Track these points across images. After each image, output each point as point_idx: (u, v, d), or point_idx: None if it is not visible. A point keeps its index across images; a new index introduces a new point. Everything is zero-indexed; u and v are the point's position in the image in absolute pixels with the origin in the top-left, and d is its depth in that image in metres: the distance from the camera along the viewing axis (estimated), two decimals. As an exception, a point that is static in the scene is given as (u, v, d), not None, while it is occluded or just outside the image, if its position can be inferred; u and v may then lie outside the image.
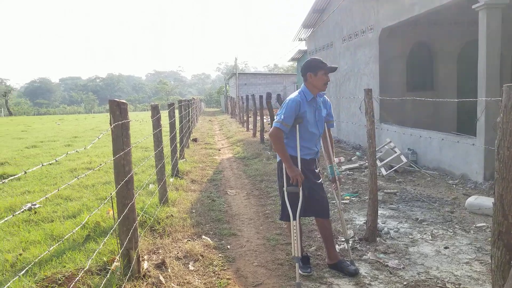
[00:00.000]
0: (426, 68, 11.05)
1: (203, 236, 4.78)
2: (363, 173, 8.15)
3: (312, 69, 3.74)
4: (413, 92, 10.36)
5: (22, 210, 2.40)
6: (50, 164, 9.96)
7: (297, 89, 3.92)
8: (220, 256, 4.26)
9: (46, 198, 6.41)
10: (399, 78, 10.62)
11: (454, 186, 6.96)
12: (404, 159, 8.07)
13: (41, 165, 1.85)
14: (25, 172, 1.66)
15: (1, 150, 13.59)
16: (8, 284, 1.78)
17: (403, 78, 10.71)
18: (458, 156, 7.45)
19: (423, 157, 8.48)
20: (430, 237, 4.66)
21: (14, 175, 8.27)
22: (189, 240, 4.65)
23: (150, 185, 7.01)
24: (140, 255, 3.72)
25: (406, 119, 10.35)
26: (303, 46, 18.12)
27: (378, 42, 10.12)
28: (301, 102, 3.70)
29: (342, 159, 9.73)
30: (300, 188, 3.64)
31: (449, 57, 10.91)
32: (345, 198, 6.41)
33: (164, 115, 7.66)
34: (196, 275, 3.80)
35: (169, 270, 3.80)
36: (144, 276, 3.63)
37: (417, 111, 10.69)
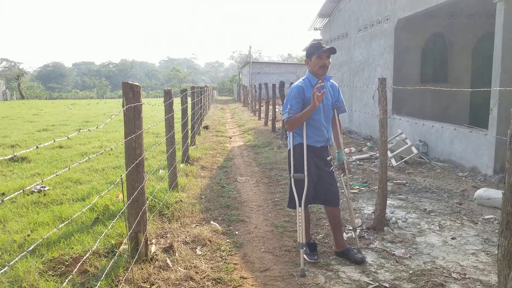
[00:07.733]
0: (441, 60, 10.90)
1: (212, 222, 4.82)
2: (373, 163, 8.11)
3: (308, 55, 3.73)
4: (426, 84, 10.24)
5: (31, 186, 2.43)
6: (61, 147, 9.97)
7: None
8: (228, 242, 4.29)
9: (56, 180, 6.49)
10: (413, 69, 10.52)
11: (464, 178, 6.90)
12: (415, 151, 8.02)
13: (53, 141, 1.87)
14: (37, 147, 1.68)
15: (12, 133, 13.73)
16: (13, 261, 1.79)
17: (417, 70, 10.61)
18: (469, 149, 7.38)
19: (434, 149, 8.41)
20: (437, 227, 4.65)
21: (24, 157, 8.16)
22: (198, 225, 4.68)
23: (160, 170, 7.07)
24: (148, 239, 3.75)
25: (418, 112, 10.25)
26: (318, 35, 17.95)
27: (394, 33, 9.99)
28: (304, 88, 3.67)
29: (353, 149, 9.69)
30: (306, 175, 3.64)
31: (464, 49, 10.75)
32: (355, 187, 6.40)
33: (177, 101, 7.67)
34: (203, 259, 3.83)
35: (176, 254, 3.84)
36: (151, 259, 3.66)
37: (429, 103, 10.60)
